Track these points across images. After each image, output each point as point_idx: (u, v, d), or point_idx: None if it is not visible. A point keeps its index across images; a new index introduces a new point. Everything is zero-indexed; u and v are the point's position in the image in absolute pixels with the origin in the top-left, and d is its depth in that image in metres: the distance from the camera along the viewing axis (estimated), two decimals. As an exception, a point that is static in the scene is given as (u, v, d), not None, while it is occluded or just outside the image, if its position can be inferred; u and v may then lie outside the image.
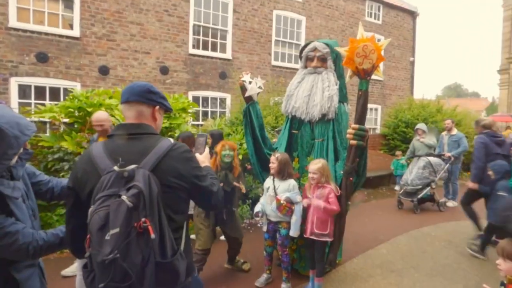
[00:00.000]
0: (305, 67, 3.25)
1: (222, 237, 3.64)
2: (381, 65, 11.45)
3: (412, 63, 12.95)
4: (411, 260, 3.72)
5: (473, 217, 4.20)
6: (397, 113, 10.05)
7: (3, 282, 1.30)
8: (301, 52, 3.33)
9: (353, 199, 2.76)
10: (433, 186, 5.76)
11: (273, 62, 9.64)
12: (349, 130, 2.61)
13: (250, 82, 3.06)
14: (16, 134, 1.20)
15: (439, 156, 6.04)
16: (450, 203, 6.12)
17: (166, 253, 1.13)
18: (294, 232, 2.90)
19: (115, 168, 1.12)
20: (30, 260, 1.31)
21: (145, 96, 1.31)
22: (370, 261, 3.67)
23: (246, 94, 3.08)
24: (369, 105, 11.77)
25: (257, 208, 3.09)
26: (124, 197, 1.04)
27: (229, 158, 3.07)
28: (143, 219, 1.05)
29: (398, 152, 7.76)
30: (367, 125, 12.96)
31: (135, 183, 1.08)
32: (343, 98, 3.21)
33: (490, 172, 3.67)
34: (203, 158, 1.57)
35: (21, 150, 1.30)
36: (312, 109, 3.05)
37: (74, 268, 3.08)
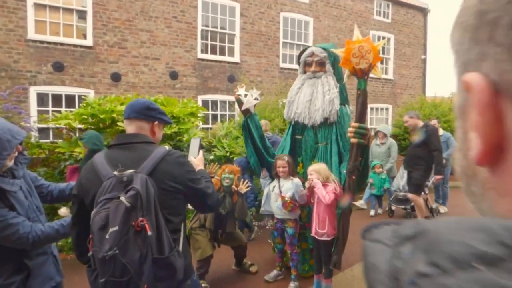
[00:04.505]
0: (304, 72, 3.26)
1: None
2: (391, 63, 11.06)
3: (424, 61, 12.72)
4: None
5: None
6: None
7: (17, 269, 1.45)
8: (299, 58, 3.36)
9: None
10: (426, 192, 5.30)
11: (281, 64, 9.69)
12: (350, 129, 2.61)
13: (245, 95, 3.02)
14: (8, 138, 1.40)
15: None
16: (442, 209, 5.75)
17: (164, 249, 1.21)
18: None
19: (115, 173, 1.21)
20: (31, 248, 1.45)
21: (144, 113, 1.43)
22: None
23: (243, 108, 3.05)
24: (380, 105, 11.63)
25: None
26: (122, 198, 1.13)
27: (229, 181, 3.10)
28: (140, 218, 1.14)
29: (377, 165, 5.62)
30: (378, 125, 12.47)
31: (133, 186, 1.17)
32: (344, 100, 3.24)
33: None
34: (198, 162, 1.65)
35: (16, 153, 1.48)
36: (314, 113, 3.08)
37: None
